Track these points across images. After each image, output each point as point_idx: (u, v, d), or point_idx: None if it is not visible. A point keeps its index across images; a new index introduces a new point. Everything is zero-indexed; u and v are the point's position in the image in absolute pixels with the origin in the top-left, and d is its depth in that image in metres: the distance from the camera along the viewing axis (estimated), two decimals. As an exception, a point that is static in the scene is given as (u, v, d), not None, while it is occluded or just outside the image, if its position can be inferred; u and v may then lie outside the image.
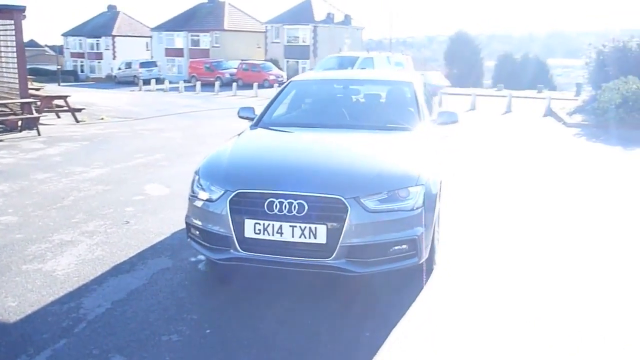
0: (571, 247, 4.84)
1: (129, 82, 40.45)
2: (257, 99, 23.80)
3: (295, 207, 3.53)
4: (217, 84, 29.83)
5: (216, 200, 3.77)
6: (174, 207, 5.89)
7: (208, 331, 3.26)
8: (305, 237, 3.54)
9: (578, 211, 6.05)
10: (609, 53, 15.62)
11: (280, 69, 40.46)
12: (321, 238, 3.52)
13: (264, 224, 3.59)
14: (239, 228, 3.65)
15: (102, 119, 15.17)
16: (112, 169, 7.98)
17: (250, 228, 3.63)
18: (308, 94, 5.67)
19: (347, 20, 48.66)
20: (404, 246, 3.63)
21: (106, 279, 4.00)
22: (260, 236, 3.61)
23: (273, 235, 3.58)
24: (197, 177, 4.04)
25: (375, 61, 19.00)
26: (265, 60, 42.25)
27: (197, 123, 14.51)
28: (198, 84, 29.97)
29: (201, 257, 4.42)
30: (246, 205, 3.66)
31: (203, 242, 3.91)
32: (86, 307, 3.52)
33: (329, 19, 46.69)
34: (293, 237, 3.55)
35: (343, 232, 3.49)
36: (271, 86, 32.10)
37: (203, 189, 3.92)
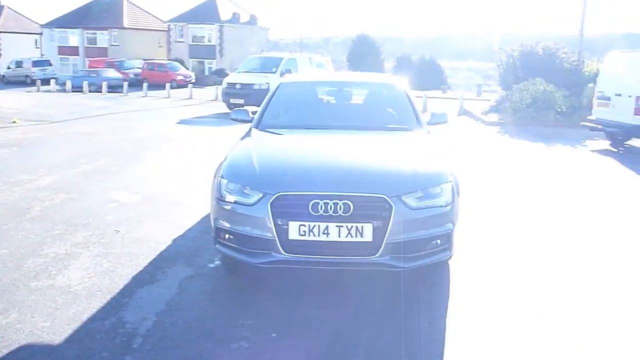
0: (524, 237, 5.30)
1: (20, 82, 37.33)
2: (171, 100, 23.08)
3: (340, 207, 3.58)
4: (125, 84, 28.44)
5: (254, 203, 3.72)
6: (154, 214, 5.68)
7: (274, 335, 3.23)
8: (351, 236, 3.60)
9: (559, 204, 6.61)
10: (518, 56, 16.96)
11: (186, 69, 39.36)
12: (367, 236, 3.60)
13: (309, 226, 3.61)
14: (282, 230, 3.63)
15: (14, 122, 13.99)
16: (62, 176, 7.45)
17: (294, 230, 3.62)
18: (301, 96, 5.68)
19: (252, 20, 48.42)
20: (439, 241, 3.81)
21: (133, 291, 3.80)
22: (305, 237, 3.61)
23: (319, 236, 3.60)
24: (224, 181, 3.94)
25: (298, 62, 19.13)
26: (170, 60, 40.88)
27: (123, 125, 13.83)
28: (104, 84, 28.38)
29: (219, 262, 4.33)
30: (289, 207, 3.65)
31: (239, 247, 3.83)
32: (131, 322, 3.33)
33: (235, 18, 46.19)
34: (339, 236, 3.60)
35: (388, 230, 3.60)
36: (180, 87, 31.14)
37: (234, 193, 3.85)
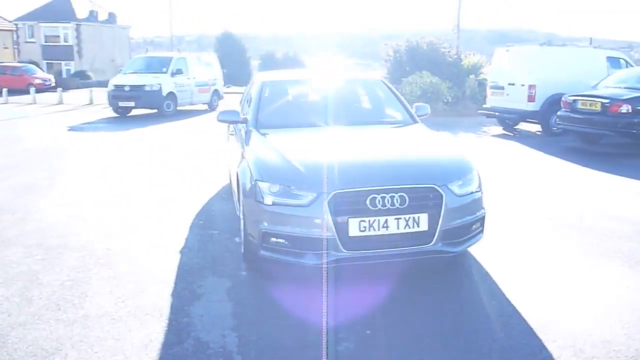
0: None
1: None
2: (40, 106, 20.96)
3: (397, 200, 3.65)
4: (-24, 90, 25.14)
5: (310, 203, 3.64)
6: (127, 227, 5.29)
7: (368, 332, 3.21)
8: (409, 227, 3.68)
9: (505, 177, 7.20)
10: (404, 51, 17.99)
11: (42, 71, 35.87)
12: (423, 226, 3.71)
13: (369, 221, 3.63)
14: (342, 228, 3.61)
15: None
16: (-13, 194, 6.52)
17: (355, 227, 3.62)
18: (288, 94, 5.59)
19: (111, 18, 45.49)
20: (477, 224, 4.04)
21: (185, 309, 3.50)
22: (366, 233, 3.63)
23: (379, 230, 3.64)
24: (265, 184, 3.80)
25: (188, 62, 18.42)
26: (21, 62, 36.93)
27: (6, 135, 12.31)
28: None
29: (245, 272, 4.15)
30: (346, 204, 3.63)
31: (292, 250, 3.72)
32: (213, 341, 3.08)
33: (92, 16, 43.02)
34: (398, 229, 3.66)
35: (441, 218, 3.74)
36: (39, 91, 28.29)
37: (279, 195, 3.73)
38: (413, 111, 5.33)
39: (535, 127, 12.68)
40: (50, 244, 4.73)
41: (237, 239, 4.72)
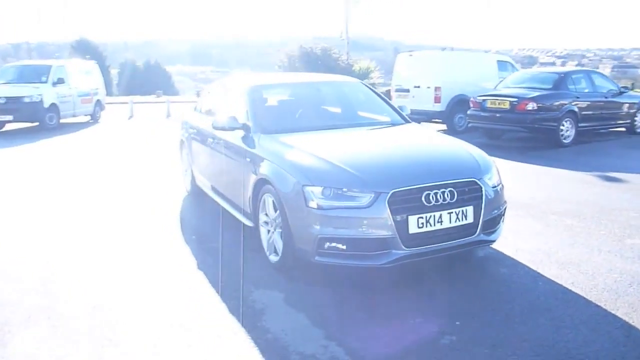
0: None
1: None
2: None
3: (447, 194, 3.78)
4: None
5: (370, 204, 3.63)
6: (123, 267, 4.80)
7: (458, 323, 3.27)
8: (459, 220, 3.84)
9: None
10: (298, 57, 18.26)
11: None
12: (469, 218, 3.89)
13: (426, 217, 3.71)
14: (402, 226, 3.65)
15: None
16: None
17: (414, 224, 3.68)
18: (281, 99, 5.44)
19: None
20: (503, 215, 4.31)
21: (262, 324, 3.29)
22: (423, 229, 3.71)
23: (434, 225, 3.74)
24: (317, 188, 3.71)
25: (67, 70, 16.87)
26: None
27: None
28: None
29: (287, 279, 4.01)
30: (404, 202, 3.68)
31: (351, 252, 3.68)
32: (324, 352, 2.96)
33: None
34: (450, 222, 3.80)
35: (483, 209, 3.94)
36: None
37: (332, 198, 3.67)
38: (401, 111, 5.51)
39: (439, 127, 13.61)
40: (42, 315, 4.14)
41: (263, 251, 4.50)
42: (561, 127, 10.11)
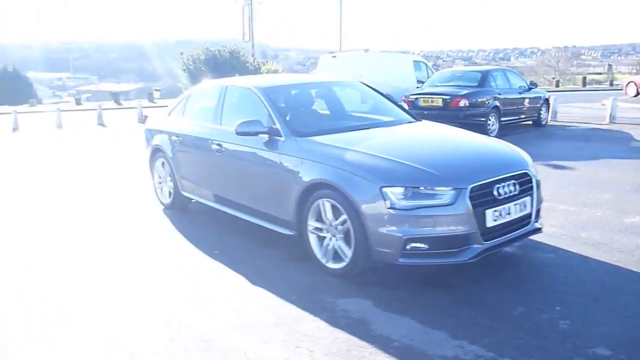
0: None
1: None
2: None
3: (511, 186, 3.93)
4: None
5: (453, 201, 3.65)
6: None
7: (558, 308, 3.41)
8: (521, 211, 4.01)
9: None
10: (204, 60, 17.64)
11: None
12: (528, 208, 4.08)
13: (499, 210, 3.83)
14: (481, 220, 3.73)
15: None
16: None
17: (490, 217, 3.78)
18: (296, 101, 5.20)
19: None
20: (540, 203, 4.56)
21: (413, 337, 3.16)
22: (497, 222, 3.83)
23: (505, 217, 3.88)
24: (397, 189, 3.65)
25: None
26: None
27: None
28: None
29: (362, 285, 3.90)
30: (480, 197, 3.75)
31: (434, 251, 3.66)
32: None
33: None
34: (516, 213, 3.95)
35: (535, 199, 4.15)
36: None
37: (412, 198, 3.63)
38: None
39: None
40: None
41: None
42: (488, 122, 10.89)
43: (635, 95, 22.96)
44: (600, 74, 58.87)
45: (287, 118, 4.72)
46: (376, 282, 3.91)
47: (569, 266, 4.14)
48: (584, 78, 38.11)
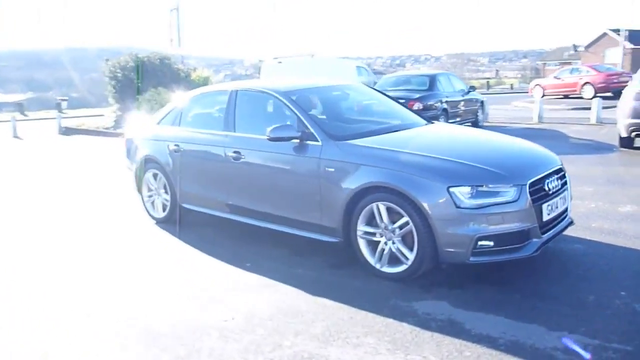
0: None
1: None
2: None
3: (556, 181, 4.12)
4: None
5: (517, 197, 3.74)
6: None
7: (623, 293, 3.59)
8: (563, 205, 4.21)
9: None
10: (131, 68, 16.78)
11: None
12: (567, 201, 4.29)
13: (551, 204, 4.00)
14: (539, 215, 3.87)
15: None
16: None
17: (545, 211, 3.94)
18: (320, 104, 5.06)
19: None
20: None
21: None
22: (550, 215, 4.00)
23: (554, 210, 4.07)
24: (465, 189, 3.69)
25: None
26: None
27: None
28: None
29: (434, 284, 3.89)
30: (536, 192, 3.89)
31: (503, 247, 3.74)
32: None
33: None
34: (560, 207, 4.14)
35: (569, 194, 4.37)
36: None
37: (477, 197, 3.69)
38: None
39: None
40: None
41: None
42: (439, 124, 11.30)
43: (542, 97, 24.84)
44: (489, 78, 62.99)
45: (323, 122, 4.64)
46: (434, 283, 3.91)
47: (602, 254, 4.39)
48: (488, 82, 40.74)
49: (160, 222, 5.90)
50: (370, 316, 3.48)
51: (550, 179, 4.04)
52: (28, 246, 5.36)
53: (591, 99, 22.54)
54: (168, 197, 5.75)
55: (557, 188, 4.08)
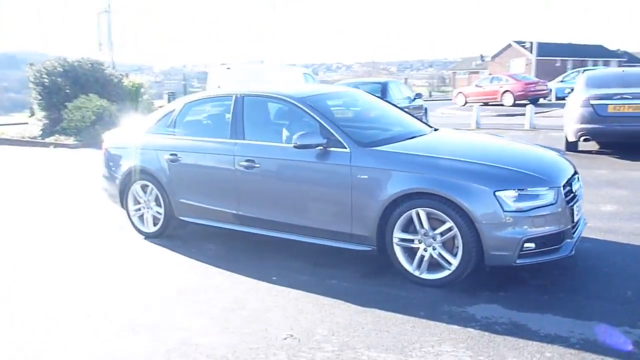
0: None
1: None
2: None
3: (577, 185, 4.31)
4: None
5: (555, 200, 3.87)
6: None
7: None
8: (582, 207, 4.40)
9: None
10: (59, 74, 15.69)
11: None
12: (584, 204, 4.49)
13: (578, 205, 4.18)
14: (571, 216, 4.02)
15: None
16: None
17: (575, 212, 4.12)
18: (339, 111, 4.95)
19: None
20: None
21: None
22: (577, 216, 4.18)
23: (579, 212, 4.28)
24: (512, 192, 3.76)
25: None
26: None
27: None
28: None
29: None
30: (567, 194, 4.06)
31: (543, 249, 3.84)
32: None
33: None
34: (582, 209, 4.34)
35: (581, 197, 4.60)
36: None
37: (522, 200, 3.78)
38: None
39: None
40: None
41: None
42: (393, 130, 11.52)
43: (464, 105, 26.09)
44: (401, 86, 65.31)
45: (348, 128, 4.54)
46: (475, 287, 3.94)
47: (614, 251, 4.63)
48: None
49: (150, 238, 5.52)
50: (432, 324, 3.44)
51: (574, 181, 4.21)
52: None
53: (511, 106, 24.14)
54: (161, 210, 5.40)
55: (579, 190, 4.26)
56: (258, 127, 4.94)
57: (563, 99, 25.90)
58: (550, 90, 25.07)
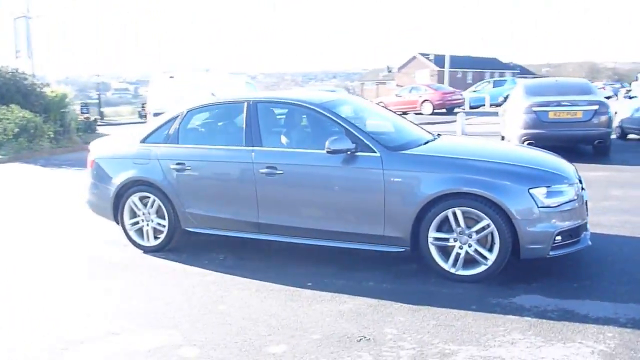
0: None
1: None
2: None
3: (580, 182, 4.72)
4: None
5: (576, 196, 4.22)
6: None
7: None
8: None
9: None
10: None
11: None
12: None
13: (587, 200, 4.56)
14: (586, 210, 4.40)
15: None
16: None
17: (587, 208, 4.48)
18: (356, 118, 4.99)
19: None
20: None
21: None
22: (587, 211, 4.55)
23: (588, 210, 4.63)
24: (542, 189, 4.06)
25: None
26: None
27: None
28: None
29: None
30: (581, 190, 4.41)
31: (569, 241, 4.17)
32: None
33: None
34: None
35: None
36: None
37: (551, 196, 4.08)
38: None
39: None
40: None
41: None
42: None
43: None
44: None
45: (374, 133, 4.64)
46: (508, 281, 4.17)
47: (623, 243, 4.98)
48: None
49: (150, 252, 5.27)
50: (489, 316, 3.62)
51: (580, 179, 4.60)
52: None
53: (429, 114, 25.31)
54: (164, 222, 5.17)
55: (584, 190, 4.65)
56: (275, 134, 4.92)
57: (476, 107, 27.94)
58: (464, 100, 26.61)
